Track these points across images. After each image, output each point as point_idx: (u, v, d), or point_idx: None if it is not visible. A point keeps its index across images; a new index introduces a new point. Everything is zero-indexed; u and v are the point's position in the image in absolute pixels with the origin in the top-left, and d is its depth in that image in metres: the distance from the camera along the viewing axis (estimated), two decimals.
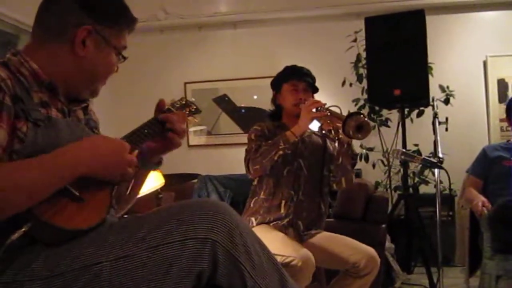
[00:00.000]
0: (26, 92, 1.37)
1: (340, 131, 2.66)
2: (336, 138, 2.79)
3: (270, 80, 3.04)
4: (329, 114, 2.73)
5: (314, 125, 2.90)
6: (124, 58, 1.59)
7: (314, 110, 2.72)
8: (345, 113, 2.67)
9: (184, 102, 1.81)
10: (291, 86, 2.91)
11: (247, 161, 2.77)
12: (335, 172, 2.90)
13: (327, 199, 3.00)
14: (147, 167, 1.71)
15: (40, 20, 1.50)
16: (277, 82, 3.00)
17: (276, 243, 2.56)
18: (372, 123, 5.43)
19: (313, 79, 2.95)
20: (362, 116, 2.61)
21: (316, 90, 2.98)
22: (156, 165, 1.74)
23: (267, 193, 2.85)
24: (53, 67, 1.46)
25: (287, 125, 2.90)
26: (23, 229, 1.21)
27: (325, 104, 2.76)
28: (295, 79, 2.92)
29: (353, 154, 2.84)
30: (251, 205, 2.89)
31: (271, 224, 2.80)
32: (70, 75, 1.49)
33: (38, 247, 1.26)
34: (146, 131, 1.58)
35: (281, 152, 2.69)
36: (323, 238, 2.84)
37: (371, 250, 2.73)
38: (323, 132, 2.94)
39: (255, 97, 6.08)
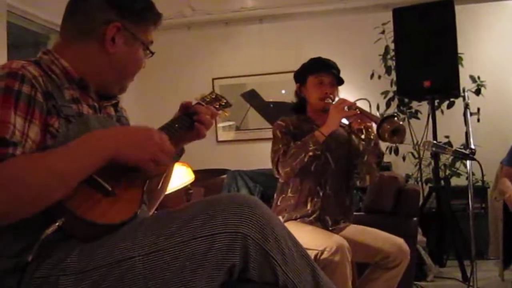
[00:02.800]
0: (57, 89, 1.40)
1: (370, 130, 2.63)
2: (367, 137, 2.75)
3: None
4: (359, 112, 2.67)
5: None
6: (152, 53, 1.60)
7: (345, 108, 2.67)
8: (374, 105, 2.63)
9: (214, 96, 1.82)
10: (316, 79, 2.85)
11: (275, 163, 2.73)
12: (360, 169, 2.85)
13: (352, 191, 2.96)
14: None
15: (68, 18, 1.53)
16: (302, 74, 2.94)
17: (307, 235, 2.54)
18: (401, 116, 5.38)
19: (338, 71, 2.89)
20: (397, 119, 2.55)
21: (341, 82, 2.90)
22: (178, 156, 1.74)
23: (293, 190, 2.82)
24: (83, 64, 1.48)
25: (312, 118, 2.87)
26: (57, 224, 1.22)
27: (355, 103, 2.71)
28: (322, 72, 2.85)
29: (380, 153, 2.80)
30: (278, 203, 2.87)
31: (298, 220, 2.78)
32: (100, 72, 1.51)
33: (72, 242, 1.28)
34: (176, 125, 1.60)
35: (311, 154, 2.64)
36: (352, 230, 2.82)
37: (400, 241, 2.70)
38: (352, 130, 2.89)
39: (283, 91, 6.07)
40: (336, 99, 2.84)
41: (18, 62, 1.35)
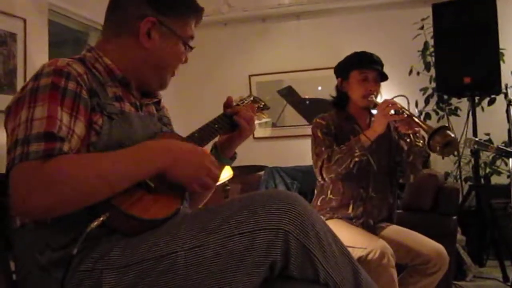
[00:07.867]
0: (101, 87, 1.43)
1: (418, 135, 2.57)
2: (414, 143, 2.65)
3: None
4: (406, 117, 2.58)
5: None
6: (191, 48, 1.61)
7: (392, 112, 2.58)
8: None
9: (252, 99, 1.83)
10: (361, 75, 2.73)
11: (319, 168, 2.65)
12: (404, 169, 2.78)
13: (396, 189, 2.88)
14: (221, 162, 1.74)
15: (108, 15, 1.56)
16: (345, 68, 2.81)
17: (351, 235, 2.50)
18: (440, 113, 5.30)
19: (382, 66, 2.78)
20: (449, 132, 2.46)
21: (385, 78, 2.77)
22: (231, 159, 1.77)
23: (335, 193, 2.75)
24: (123, 60, 1.50)
25: (354, 116, 2.80)
26: (102, 218, 1.25)
27: (402, 106, 2.60)
28: (366, 68, 2.74)
29: (426, 152, 2.72)
30: (318, 203, 2.81)
31: (340, 219, 2.72)
32: (139, 67, 1.53)
33: (115, 237, 1.30)
34: (216, 126, 1.62)
35: (357, 159, 2.58)
36: (393, 231, 2.74)
37: (440, 247, 2.62)
38: (398, 133, 2.79)
39: (320, 88, 6.03)
40: (379, 98, 2.76)
41: (63, 60, 1.38)
